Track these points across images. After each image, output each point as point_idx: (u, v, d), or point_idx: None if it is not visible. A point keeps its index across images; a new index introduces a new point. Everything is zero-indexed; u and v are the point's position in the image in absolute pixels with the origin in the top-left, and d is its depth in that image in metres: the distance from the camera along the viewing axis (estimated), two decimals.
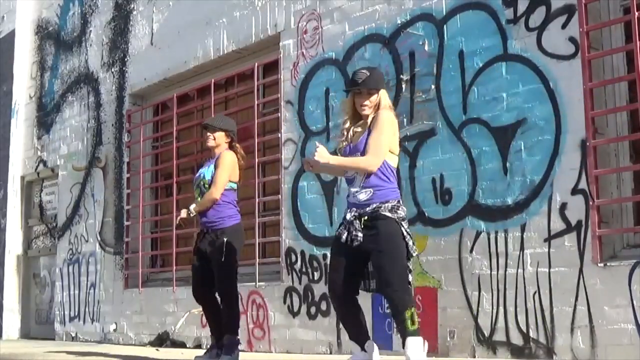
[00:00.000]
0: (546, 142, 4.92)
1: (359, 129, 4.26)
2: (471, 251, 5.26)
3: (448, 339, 5.29)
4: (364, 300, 5.11)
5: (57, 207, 9.89)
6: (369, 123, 4.22)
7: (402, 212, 4.15)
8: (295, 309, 6.44)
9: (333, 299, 4.31)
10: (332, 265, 4.30)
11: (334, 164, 4.23)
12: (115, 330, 8.50)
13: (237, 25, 7.37)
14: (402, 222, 4.13)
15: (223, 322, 5.44)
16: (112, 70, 9.06)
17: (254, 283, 6.78)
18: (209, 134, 5.58)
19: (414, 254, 4.18)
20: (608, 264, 4.58)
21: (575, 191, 4.76)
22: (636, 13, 4.56)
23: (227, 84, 7.78)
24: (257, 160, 6.98)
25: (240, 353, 5.56)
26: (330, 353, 6.10)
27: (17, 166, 10.70)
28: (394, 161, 4.24)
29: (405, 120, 5.67)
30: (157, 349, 7.34)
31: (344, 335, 5.08)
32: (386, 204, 4.10)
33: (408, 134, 5.63)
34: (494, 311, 5.09)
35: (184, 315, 7.45)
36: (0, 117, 10.99)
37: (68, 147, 9.73)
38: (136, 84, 8.70)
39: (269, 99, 7.15)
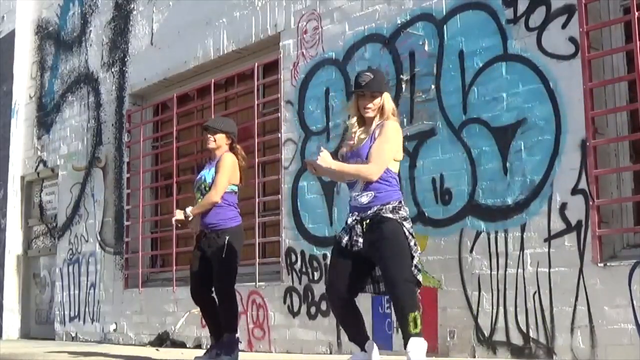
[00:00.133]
0: (546, 142, 4.92)
1: (363, 135, 4.26)
2: (471, 251, 5.26)
3: (448, 339, 5.30)
4: (364, 300, 5.12)
5: (57, 207, 9.89)
6: (372, 128, 4.22)
7: (403, 212, 4.15)
8: (295, 309, 6.44)
9: (331, 301, 4.31)
10: (331, 267, 4.29)
11: (335, 169, 4.23)
12: (115, 330, 8.50)
13: (237, 25, 7.37)
14: (404, 222, 4.12)
15: (221, 320, 5.44)
16: (112, 70, 9.06)
17: (254, 283, 6.78)
18: (209, 135, 5.57)
19: (415, 254, 4.17)
20: (608, 264, 4.58)
21: (575, 191, 4.76)
22: (636, 13, 4.56)
23: (227, 84, 7.78)
24: (257, 160, 6.98)
25: (240, 353, 5.56)
26: (330, 353, 6.10)
27: (17, 166, 10.71)
28: (395, 167, 4.25)
29: (405, 120, 5.67)
30: (157, 349, 7.34)
31: (344, 336, 5.08)
32: (387, 206, 4.10)
33: (408, 134, 5.62)
34: (494, 311, 5.09)
35: (184, 315, 7.46)
36: (0, 117, 10.99)
37: (68, 147, 9.73)
38: (136, 84, 8.70)
39: (269, 99, 7.15)
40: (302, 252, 6.44)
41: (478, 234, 5.23)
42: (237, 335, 5.48)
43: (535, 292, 4.88)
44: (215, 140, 5.56)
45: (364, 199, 4.15)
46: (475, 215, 5.26)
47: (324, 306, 6.15)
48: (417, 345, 3.94)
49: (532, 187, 4.97)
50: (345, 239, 4.14)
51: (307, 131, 6.55)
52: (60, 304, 9.49)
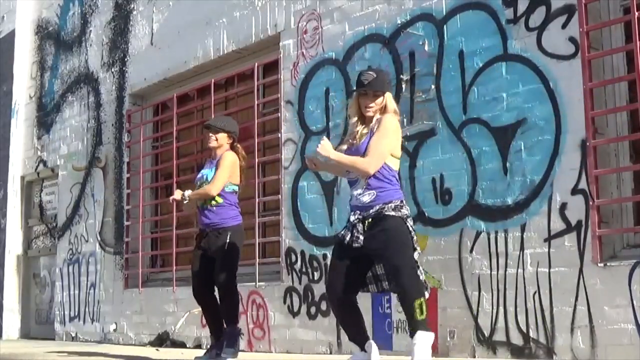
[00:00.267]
0: (546, 142, 4.92)
1: (364, 131, 4.26)
2: (471, 251, 5.26)
3: (448, 339, 5.30)
4: (364, 300, 5.12)
5: (57, 207, 9.89)
6: (373, 124, 4.22)
7: (405, 211, 4.16)
8: (295, 309, 6.44)
9: (331, 300, 4.31)
10: (331, 267, 4.29)
11: (334, 159, 4.22)
12: (115, 330, 8.50)
13: (237, 25, 7.37)
14: (407, 220, 4.13)
15: (222, 314, 5.45)
16: (112, 70, 9.06)
17: (254, 283, 6.78)
18: (211, 134, 5.58)
19: (418, 249, 4.17)
20: (608, 264, 4.57)
21: (575, 191, 4.76)
22: (636, 13, 4.56)
23: (227, 84, 7.78)
24: (257, 160, 6.98)
25: (240, 353, 5.56)
26: (330, 353, 6.10)
27: (17, 166, 10.70)
28: (395, 164, 4.24)
29: (405, 120, 5.67)
30: (157, 349, 7.34)
31: (344, 335, 5.08)
32: (389, 204, 4.11)
33: (408, 134, 5.62)
34: (494, 311, 5.09)
35: (184, 315, 7.46)
36: (0, 117, 10.99)
37: (68, 147, 9.73)
38: (136, 84, 8.70)
39: (269, 99, 7.15)
40: (302, 252, 6.44)
41: (478, 234, 5.23)
42: (239, 327, 5.48)
43: (535, 292, 4.88)
44: (216, 139, 5.57)
45: (366, 197, 4.15)
46: (475, 215, 5.26)
47: (324, 306, 6.15)
48: (424, 339, 3.93)
49: (532, 187, 4.97)
50: (347, 237, 4.14)
51: (307, 131, 6.55)
52: (60, 304, 9.49)
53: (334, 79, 6.37)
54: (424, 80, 5.68)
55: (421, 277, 4.10)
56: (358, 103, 4.29)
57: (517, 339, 4.96)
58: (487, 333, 5.12)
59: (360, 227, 4.12)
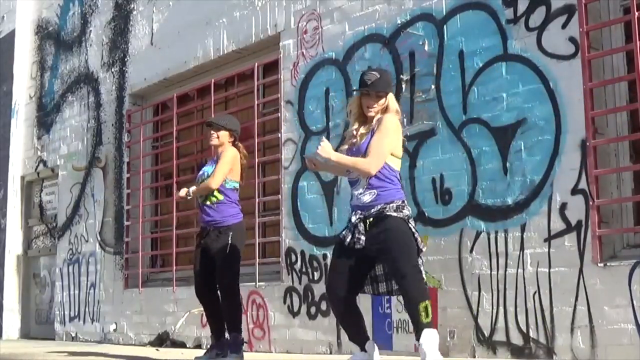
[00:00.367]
0: (546, 142, 4.92)
1: (364, 131, 4.26)
2: (471, 251, 5.26)
3: (448, 339, 5.29)
4: (364, 300, 5.12)
5: (57, 207, 9.89)
6: (374, 124, 4.22)
7: (407, 211, 4.14)
8: (295, 309, 6.44)
9: (331, 301, 4.30)
10: (332, 267, 4.28)
11: (335, 160, 4.21)
12: (115, 330, 8.50)
13: (237, 25, 7.37)
14: (409, 220, 4.13)
15: (225, 319, 5.44)
16: (112, 70, 9.06)
17: (254, 283, 6.78)
18: (212, 132, 5.57)
19: (423, 249, 4.17)
20: (608, 264, 4.57)
21: (575, 191, 4.76)
22: (636, 13, 4.56)
23: (227, 84, 7.78)
24: (257, 160, 6.98)
25: None
26: (330, 353, 6.10)
27: (17, 166, 10.70)
28: (396, 164, 4.23)
29: (405, 120, 5.66)
30: (157, 349, 7.34)
31: (344, 336, 5.08)
32: (391, 205, 4.09)
33: (408, 134, 5.62)
34: (494, 311, 5.09)
35: (184, 315, 7.45)
36: (0, 117, 10.99)
37: (68, 147, 9.73)
38: (136, 84, 8.70)
39: (269, 99, 7.15)
40: (302, 252, 6.44)
41: (478, 234, 5.23)
42: (242, 335, 5.49)
43: (535, 292, 4.88)
44: (218, 137, 5.56)
45: (367, 197, 4.14)
46: (475, 215, 5.26)
47: (324, 306, 6.15)
48: (430, 337, 3.93)
49: (532, 187, 4.97)
50: (349, 238, 4.13)
51: (307, 131, 6.55)
52: (60, 304, 9.49)
53: (334, 79, 6.37)
54: (424, 80, 5.68)
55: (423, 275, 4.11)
56: (360, 102, 4.28)
57: (517, 339, 4.96)
58: (487, 333, 5.12)
59: (361, 227, 4.11)
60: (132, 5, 8.83)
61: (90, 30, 9.52)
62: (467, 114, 5.38)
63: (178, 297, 7.60)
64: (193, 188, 5.52)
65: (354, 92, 4.38)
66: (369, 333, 4.50)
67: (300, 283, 6.43)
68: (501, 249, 5.10)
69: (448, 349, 5.28)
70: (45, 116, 10.26)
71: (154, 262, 8.54)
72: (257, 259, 6.83)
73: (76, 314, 9.21)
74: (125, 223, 8.59)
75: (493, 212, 5.16)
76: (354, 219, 4.15)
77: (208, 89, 7.69)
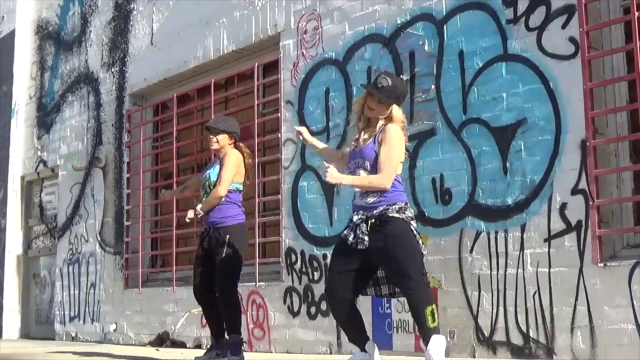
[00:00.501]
0: (546, 142, 4.92)
1: (366, 136, 4.27)
2: (471, 251, 5.26)
3: (448, 339, 5.28)
4: (364, 300, 5.12)
5: (57, 207, 9.89)
6: (377, 131, 4.22)
7: (409, 213, 4.15)
8: (295, 309, 6.44)
9: (331, 303, 4.28)
10: (332, 267, 4.27)
11: (348, 183, 4.26)
12: (115, 330, 8.50)
13: (237, 25, 7.37)
14: (411, 222, 4.13)
15: (225, 321, 5.43)
16: (112, 70, 9.06)
17: (254, 283, 6.78)
18: (211, 136, 5.55)
19: (424, 252, 4.18)
20: (608, 264, 4.57)
21: (575, 191, 4.76)
22: (636, 13, 4.56)
23: (227, 84, 7.78)
24: (257, 160, 6.97)
25: None
26: (330, 353, 6.10)
27: (17, 166, 10.70)
28: (399, 169, 4.25)
29: (405, 120, 5.66)
30: (157, 349, 7.34)
31: (344, 336, 5.07)
32: (394, 206, 4.10)
33: (408, 134, 5.61)
34: (494, 311, 5.09)
35: (184, 315, 7.46)
36: (0, 117, 10.99)
37: (68, 147, 9.73)
38: (136, 84, 8.70)
39: (269, 99, 7.15)
40: (302, 252, 6.44)
41: (478, 234, 5.23)
42: (242, 336, 5.49)
43: (535, 292, 4.88)
44: (217, 141, 5.53)
45: (370, 198, 4.14)
46: (475, 215, 5.26)
47: (324, 306, 6.15)
48: (438, 344, 3.92)
49: (532, 187, 4.97)
50: (351, 237, 4.12)
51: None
52: (60, 304, 9.49)
53: (334, 79, 6.37)
54: (424, 80, 5.68)
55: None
56: (364, 101, 4.30)
57: (517, 339, 4.96)
58: (487, 333, 5.12)
59: (363, 227, 4.10)
60: (132, 5, 8.83)
61: (90, 30, 9.52)
62: (467, 114, 5.38)
63: (178, 297, 7.60)
64: (200, 206, 5.49)
65: (362, 87, 4.38)
66: (369, 333, 4.50)
67: (300, 283, 6.43)
68: (501, 249, 5.10)
69: (448, 349, 5.27)
70: (45, 116, 10.26)
71: (154, 262, 8.54)
72: (257, 259, 6.82)
73: (76, 314, 9.21)
74: (125, 223, 8.59)
75: (493, 212, 5.16)
76: (355, 218, 4.15)
77: (208, 89, 7.69)
